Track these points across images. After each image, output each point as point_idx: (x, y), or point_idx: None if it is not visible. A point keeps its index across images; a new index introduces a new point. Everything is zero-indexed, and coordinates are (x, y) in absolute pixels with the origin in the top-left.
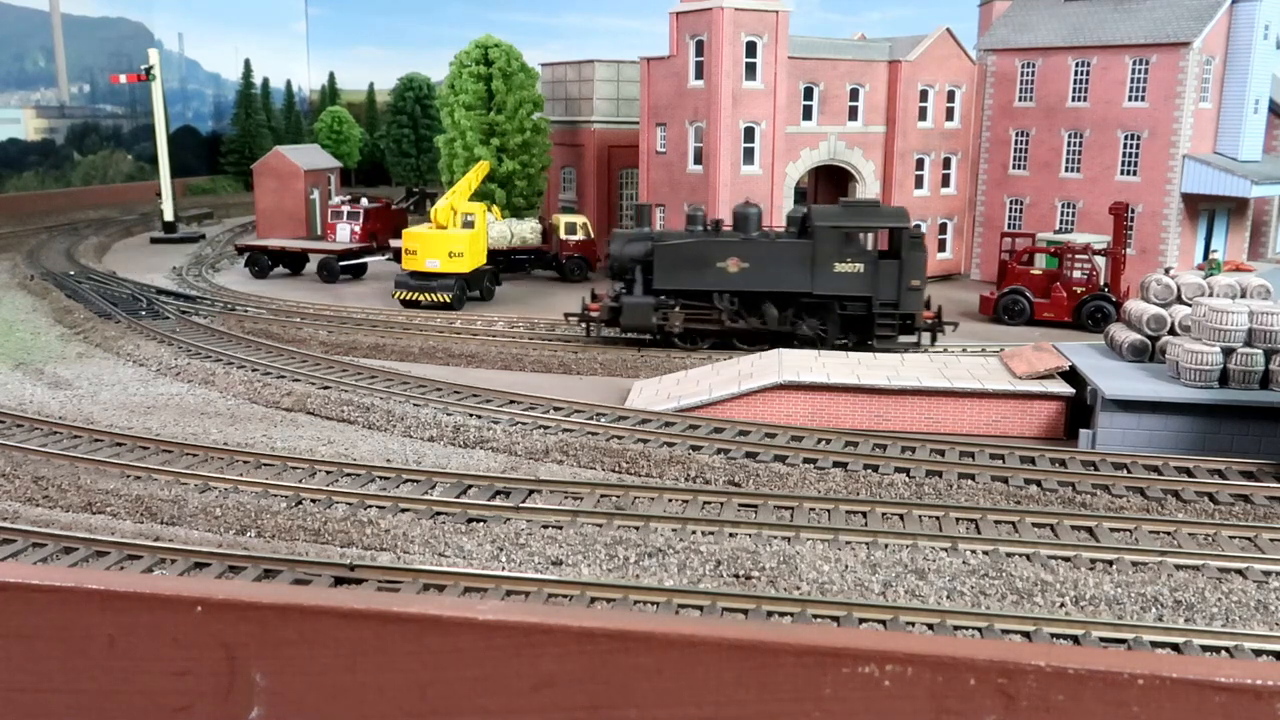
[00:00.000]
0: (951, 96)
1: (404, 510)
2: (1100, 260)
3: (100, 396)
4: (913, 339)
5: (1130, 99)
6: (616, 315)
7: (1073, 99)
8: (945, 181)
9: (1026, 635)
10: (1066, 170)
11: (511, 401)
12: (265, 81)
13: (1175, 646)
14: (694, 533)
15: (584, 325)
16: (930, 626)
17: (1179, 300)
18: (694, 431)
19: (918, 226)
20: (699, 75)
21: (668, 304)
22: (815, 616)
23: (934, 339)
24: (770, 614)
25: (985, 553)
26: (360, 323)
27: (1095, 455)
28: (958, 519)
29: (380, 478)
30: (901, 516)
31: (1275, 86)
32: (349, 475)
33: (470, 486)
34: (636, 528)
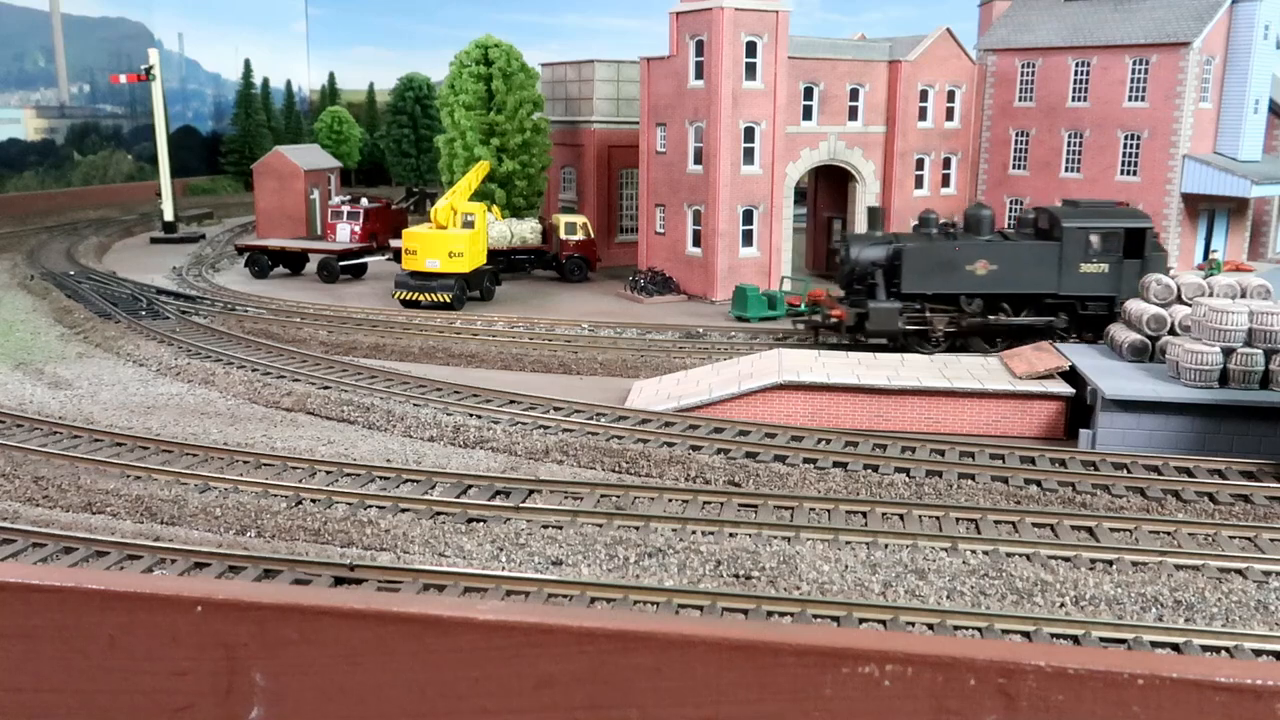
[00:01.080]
0: (951, 96)
1: (404, 510)
2: None
3: (100, 396)
4: None
5: (1130, 99)
6: (859, 321)
7: (1073, 99)
8: (945, 181)
9: (1026, 635)
10: (1066, 170)
11: (511, 401)
12: (265, 81)
13: (1175, 646)
14: (694, 533)
15: (813, 331)
16: (930, 626)
17: (1179, 300)
18: (694, 431)
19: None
20: (699, 75)
21: (914, 308)
22: (815, 616)
23: None
24: (770, 614)
25: (985, 553)
26: (360, 323)
27: (1095, 455)
28: (958, 519)
29: (380, 478)
30: (901, 516)
31: (1275, 86)
32: (349, 475)
33: (470, 486)
34: (636, 528)
